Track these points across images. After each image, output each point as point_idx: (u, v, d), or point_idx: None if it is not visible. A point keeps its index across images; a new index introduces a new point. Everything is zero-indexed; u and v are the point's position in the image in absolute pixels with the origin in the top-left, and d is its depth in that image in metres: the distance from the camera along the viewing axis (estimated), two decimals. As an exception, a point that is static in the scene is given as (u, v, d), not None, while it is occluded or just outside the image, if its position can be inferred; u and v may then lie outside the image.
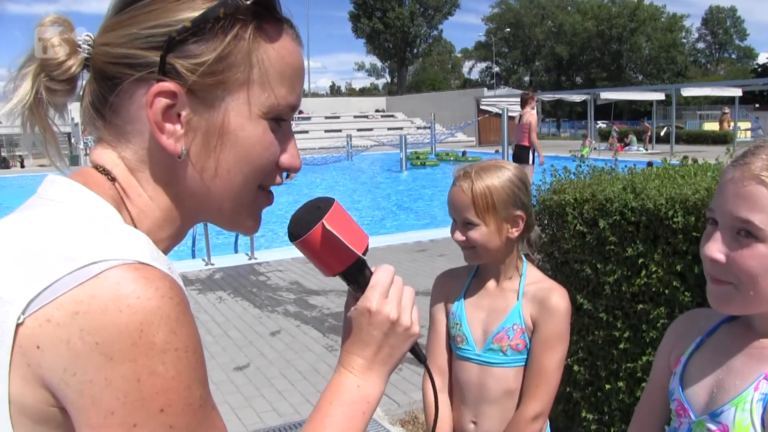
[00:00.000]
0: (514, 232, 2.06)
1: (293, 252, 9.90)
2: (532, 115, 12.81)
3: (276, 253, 10.27)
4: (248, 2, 0.90)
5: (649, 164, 4.44)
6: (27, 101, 0.90)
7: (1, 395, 0.74)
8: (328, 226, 1.04)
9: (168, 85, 0.87)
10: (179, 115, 0.90)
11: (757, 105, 53.00)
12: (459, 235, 2.06)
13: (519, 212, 2.05)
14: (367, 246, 1.09)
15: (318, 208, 1.07)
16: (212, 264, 9.31)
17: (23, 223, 0.84)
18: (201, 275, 8.77)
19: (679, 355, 1.50)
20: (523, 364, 2.08)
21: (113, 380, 0.73)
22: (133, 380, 0.73)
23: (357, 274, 1.10)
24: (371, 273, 1.10)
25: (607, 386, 3.30)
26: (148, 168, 0.93)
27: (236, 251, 10.51)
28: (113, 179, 0.92)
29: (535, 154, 12.60)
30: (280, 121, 0.97)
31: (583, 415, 3.46)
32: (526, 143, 12.56)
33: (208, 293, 7.88)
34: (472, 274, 2.20)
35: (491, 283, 2.15)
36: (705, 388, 1.40)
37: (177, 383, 0.76)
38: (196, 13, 0.88)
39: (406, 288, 1.12)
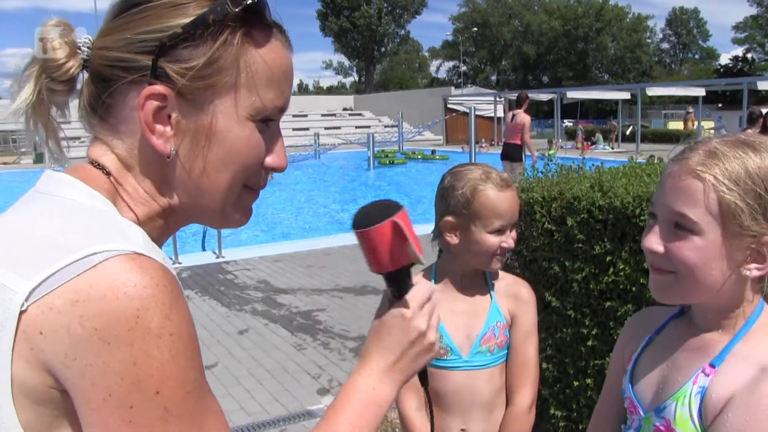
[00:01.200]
0: None
1: (261, 250, 9.94)
2: (525, 115, 13.26)
3: (244, 251, 10.22)
4: (237, 9, 0.93)
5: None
6: (30, 101, 0.95)
7: (4, 377, 0.79)
8: (399, 223, 1.08)
9: (159, 88, 0.92)
10: (169, 117, 0.94)
11: (720, 105, 53.81)
12: (512, 241, 2.05)
13: None
14: (421, 255, 1.13)
15: (388, 206, 1.11)
16: (179, 263, 9.20)
17: (25, 216, 0.91)
18: (167, 274, 8.65)
19: (631, 353, 1.53)
20: (505, 359, 2.11)
21: (111, 364, 0.77)
22: (129, 363, 0.78)
23: (403, 279, 1.13)
24: (413, 284, 1.15)
25: (575, 383, 3.32)
26: (139, 165, 0.98)
27: (204, 249, 10.40)
28: (108, 174, 0.97)
29: (528, 153, 13.06)
30: (268, 121, 1.00)
31: (552, 412, 3.48)
32: (519, 142, 13.02)
33: (174, 292, 7.77)
34: (433, 283, 2.12)
35: (460, 288, 2.13)
36: (652, 384, 1.43)
37: (172, 367, 0.80)
38: (187, 20, 0.92)
39: (437, 310, 1.17)
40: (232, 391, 5.10)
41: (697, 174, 1.25)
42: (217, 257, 9.57)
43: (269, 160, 1.03)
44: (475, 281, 2.14)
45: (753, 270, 1.27)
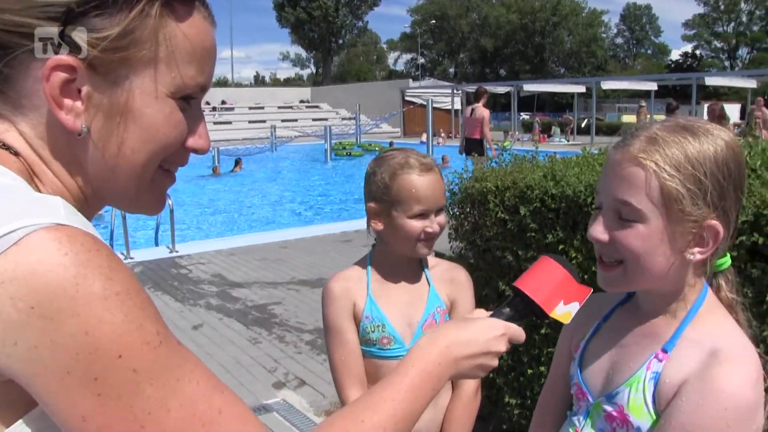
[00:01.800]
0: None
1: (216, 244, 9.85)
2: (485, 109, 13.33)
3: (198, 245, 10.10)
4: None
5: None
6: None
7: None
8: (585, 296, 1.30)
9: (66, 58, 0.83)
10: (79, 91, 0.86)
11: (671, 99, 54.73)
12: (437, 226, 2.01)
13: None
14: (548, 312, 1.28)
15: (579, 276, 1.31)
16: (132, 258, 9.05)
17: None
18: (120, 268, 8.48)
19: (579, 340, 1.54)
20: None
21: (59, 340, 0.72)
22: (81, 334, 0.72)
23: (529, 314, 1.28)
24: (520, 324, 1.27)
25: (529, 371, 3.33)
26: (48, 144, 0.89)
27: (157, 244, 10.23)
28: (16, 153, 0.88)
29: (488, 147, 13.10)
30: (189, 99, 0.94)
31: (506, 400, 3.49)
32: (479, 136, 13.13)
33: (127, 287, 7.63)
34: (369, 273, 2.12)
35: (396, 276, 2.11)
36: (602, 370, 1.44)
37: (128, 325, 0.75)
38: None
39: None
40: (185, 385, 5.01)
41: (638, 161, 1.26)
42: (171, 252, 9.42)
43: (191, 142, 0.97)
44: (410, 269, 2.11)
45: (696, 254, 1.29)
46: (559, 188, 3.07)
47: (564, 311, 1.27)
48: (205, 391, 0.82)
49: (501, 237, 3.36)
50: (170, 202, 8.70)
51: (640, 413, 1.31)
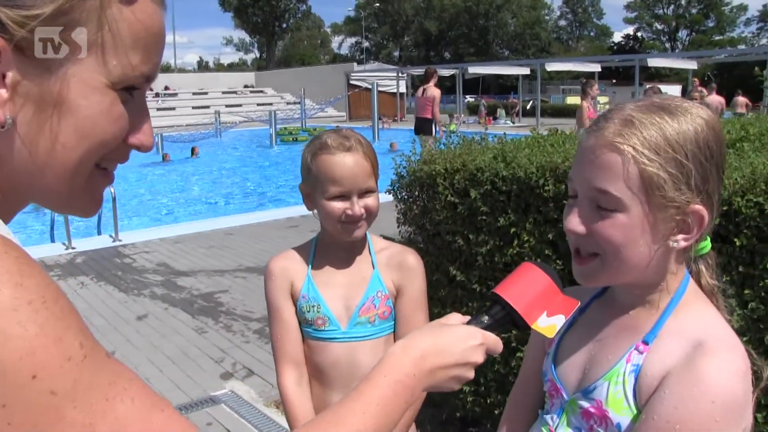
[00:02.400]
0: None
1: (161, 232, 9.66)
2: (436, 89, 13.45)
3: (142, 233, 9.88)
4: None
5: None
6: None
7: None
8: (570, 311, 1.23)
9: None
10: (4, 77, 0.74)
11: (614, 80, 55.96)
12: (359, 209, 1.94)
13: None
14: (530, 324, 1.21)
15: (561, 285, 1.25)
16: (73, 248, 8.79)
17: None
18: (61, 260, 8.26)
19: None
20: (391, 331, 2.05)
21: None
22: None
23: (508, 322, 1.21)
24: (498, 334, 1.20)
25: (482, 357, 3.29)
26: None
27: (99, 233, 9.98)
28: None
29: (437, 127, 13.30)
30: (132, 90, 0.83)
31: (460, 387, 3.44)
32: (429, 116, 13.26)
33: (69, 279, 7.43)
34: (313, 253, 2.09)
35: (339, 258, 2.06)
36: (577, 365, 1.37)
37: (43, 339, 0.65)
38: None
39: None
40: (129, 379, 4.87)
41: (615, 146, 1.18)
42: (114, 240, 9.19)
43: (133, 139, 0.86)
44: (355, 251, 2.08)
45: (680, 241, 1.23)
46: (510, 170, 3.01)
47: (548, 324, 1.19)
48: (142, 411, 0.72)
49: (451, 221, 3.30)
50: (113, 190, 8.49)
51: (620, 408, 1.24)
